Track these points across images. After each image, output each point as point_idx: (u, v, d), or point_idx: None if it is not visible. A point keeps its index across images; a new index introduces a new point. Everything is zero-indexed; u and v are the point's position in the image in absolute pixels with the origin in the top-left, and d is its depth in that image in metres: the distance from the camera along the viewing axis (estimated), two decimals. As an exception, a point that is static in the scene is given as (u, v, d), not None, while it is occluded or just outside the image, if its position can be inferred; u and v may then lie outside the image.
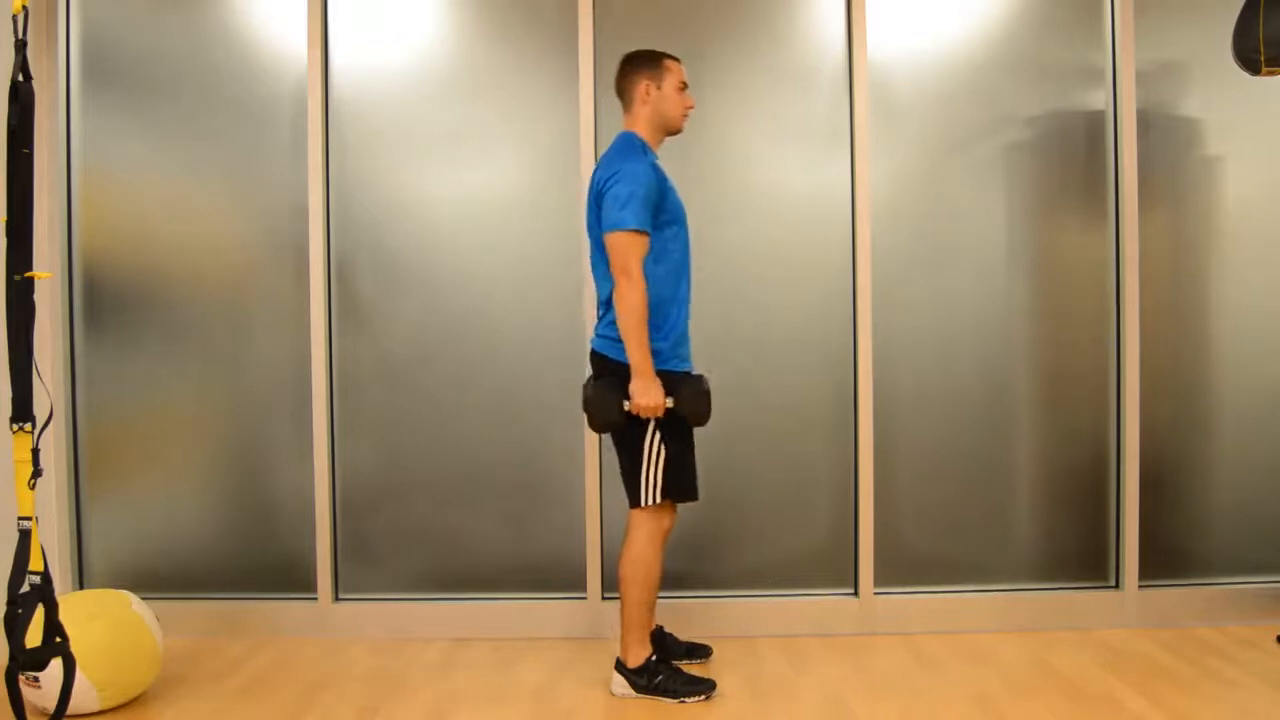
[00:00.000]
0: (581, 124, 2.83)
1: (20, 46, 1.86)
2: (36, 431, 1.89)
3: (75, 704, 2.09)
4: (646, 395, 2.19)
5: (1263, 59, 2.41)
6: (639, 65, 2.37)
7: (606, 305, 2.35)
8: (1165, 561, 2.90)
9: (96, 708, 2.23)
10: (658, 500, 2.29)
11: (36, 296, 1.91)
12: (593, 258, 2.38)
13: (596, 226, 2.29)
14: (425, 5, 2.88)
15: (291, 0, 2.86)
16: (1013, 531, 2.91)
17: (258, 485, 2.90)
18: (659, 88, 2.35)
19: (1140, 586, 2.86)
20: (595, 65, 2.85)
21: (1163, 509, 2.90)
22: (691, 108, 2.43)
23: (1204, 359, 2.91)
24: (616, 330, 2.27)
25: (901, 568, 2.89)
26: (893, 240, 2.87)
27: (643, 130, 2.37)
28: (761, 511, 2.89)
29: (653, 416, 2.22)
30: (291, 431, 2.88)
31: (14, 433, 1.88)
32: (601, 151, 2.84)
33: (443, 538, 2.90)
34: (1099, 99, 2.88)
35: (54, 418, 2.82)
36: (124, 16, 2.87)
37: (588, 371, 2.44)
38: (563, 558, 2.88)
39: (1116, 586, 2.89)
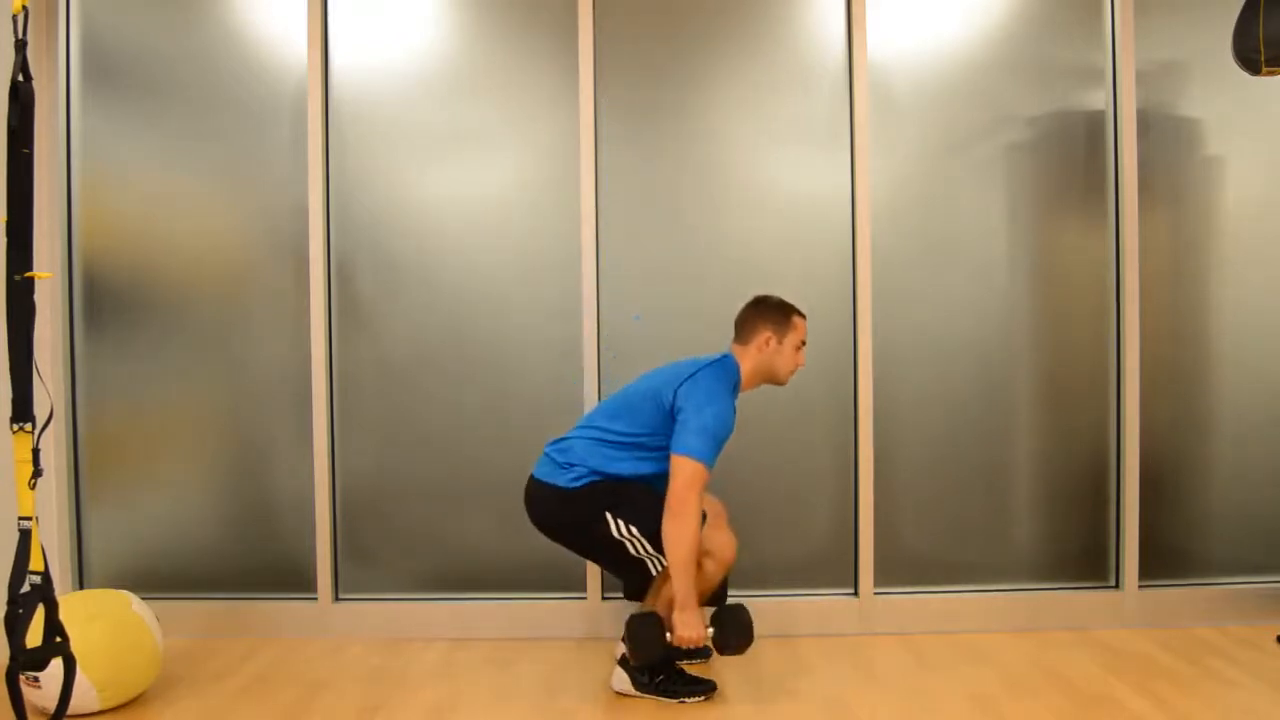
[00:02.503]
0: (581, 124, 2.83)
1: (20, 46, 1.86)
2: (36, 431, 1.89)
3: (75, 704, 2.09)
4: (690, 629, 2.17)
5: (1263, 59, 2.41)
6: (768, 313, 2.40)
7: (592, 431, 2.34)
8: (1165, 561, 2.90)
9: (96, 708, 2.23)
10: (663, 565, 2.29)
11: (36, 296, 1.91)
12: (610, 406, 2.37)
13: (652, 402, 2.29)
14: (425, 5, 2.88)
15: (291, 0, 2.86)
16: (1013, 531, 2.91)
17: (258, 485, 2.90)
18: (780, 342, 2.38)
19: (1140, 586, 2.86)
20: (595, 65, 2.85)
21: (1163, 509, 2.90)
22: (802, 366, 2.46)
23: (1204, 359, 2.91)
24: (563, 458, 2.31)
25: (901, 568, 2.89)
26: (893, 240, 2.87)
27: (746, 369, 2.39)
28: (761, 511, 2.89)
29: (692, 647, 2.20)
30: (291, 432, 2.88)
31: (14, 433, 1.88)
32: (601, 151, 2.85)
33: (443, 538, 2.90)
34: (1099, 99, 2.88)
35: (54, 418, 2.82)
36: (124, 16, 2.87)
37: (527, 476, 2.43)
38: (563, 558, 2.87)
39: (1116, 586, 2.89)
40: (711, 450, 2.20)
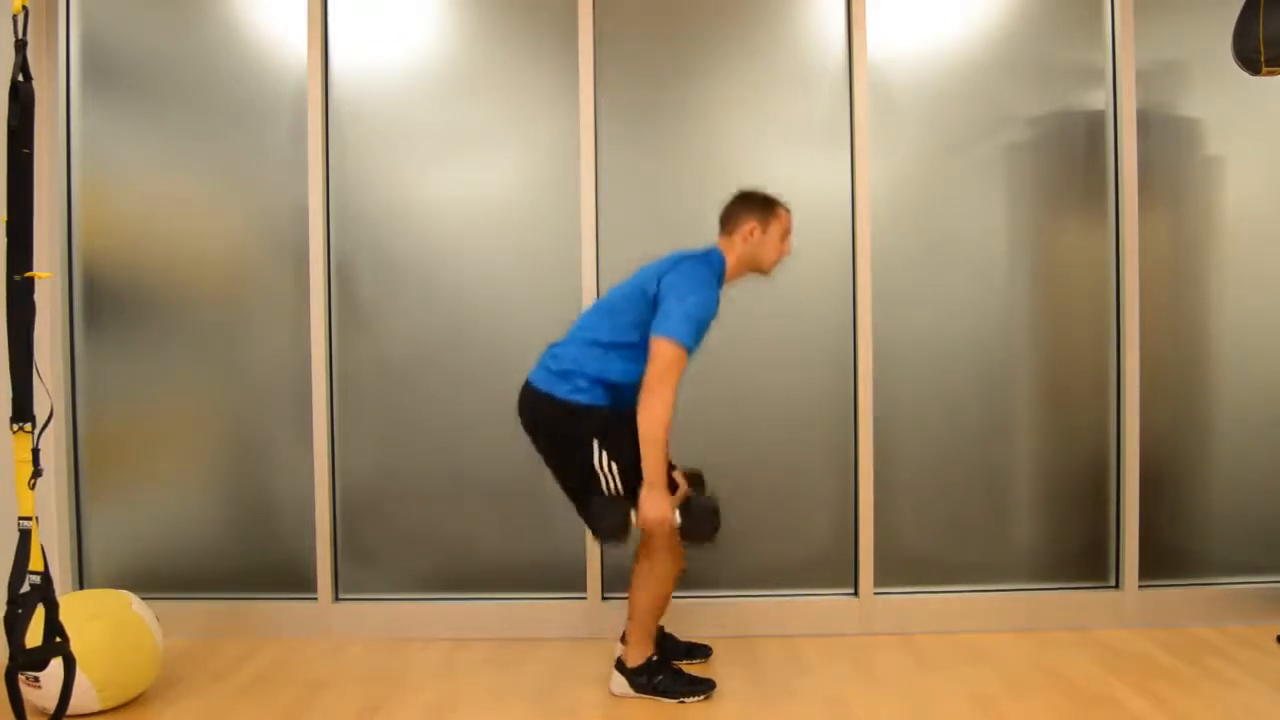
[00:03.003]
0: (581, 124, 2.83)
1: (20, 46, 1.86)
2: (36, 431, 1.89)
3: (75, 704, 2.09)
4: (656, 509, 2.17)
5: (1263, 59, 2.41)
6: (751, 204, 2.39)
7: (583, 334, 2.33)
8: (1165, 561, 2.90)
9: (96, 708, 2.23)
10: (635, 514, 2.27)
11: (36, 296, 1.91)
12: (604, 302, 2.37)
13: (639, 297, 2.28)
14: (425, 5, 2.88)
15: (291, 0, 2.86)
16: (1012, 531, 2.91)
17: (258, 485, 2.90)
18: (764, 231, 2.37)
19: (1140, 586, 2.86)
20: (595, 65, 2.85)
21: (1163, 509, 2.90)
22: (787, 255, 2.46)
23: (1204, 359, 2.91)
24: (557, 365, 2.29)
25: (901, 568, 2.89)
26: (893, 240, 2.87)
27: (732, 261, 2.38)
28: (761, 511, 2.89)
29: (660, 531, 2.21)
30: (291, 432, 2.88)
31: (14, 433, 1.88)
32: (601, 151, 2.85)
33: (443, 538, 2.90)
34: (1099, 99, 2.88)
35: (54, 418, 2.82)
36: (124, 16, 2.87)
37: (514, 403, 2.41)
38: (563, 558, 2.88)
39: (1116, 586, 2.89)
40: (691, 335, 2.18)
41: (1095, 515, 2.91)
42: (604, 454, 2.25)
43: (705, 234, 2.84)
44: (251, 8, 2.87)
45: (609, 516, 2.21)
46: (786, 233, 2.41)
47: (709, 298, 2.24)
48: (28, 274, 1.88)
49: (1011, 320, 2.89)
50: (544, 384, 2.31)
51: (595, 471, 2.26)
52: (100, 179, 2.88)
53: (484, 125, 2.88)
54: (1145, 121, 2.86)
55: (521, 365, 2.86)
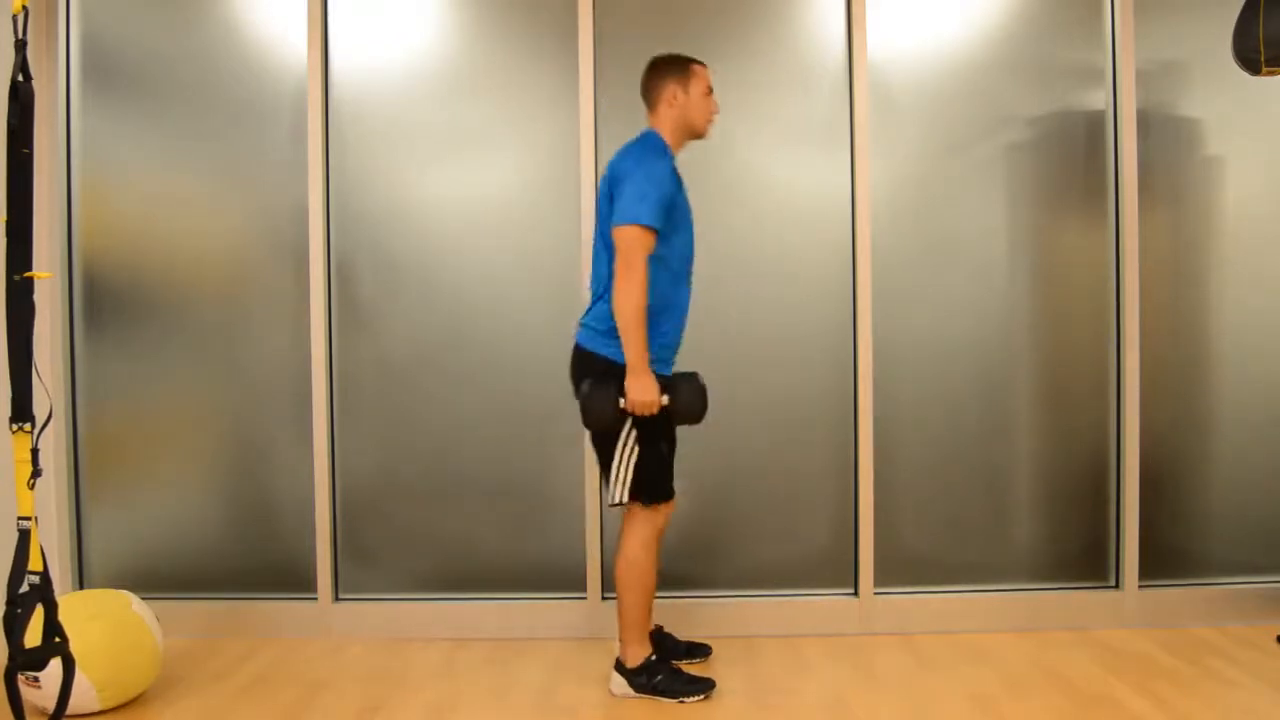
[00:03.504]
0: (581, 124, 2.83)
1: (20, 46, 1.86)
2: (36, 431, 1.89)
3: (75, 704, 2.09)
4: (643, 392, 2.18)
5: (1263, 59, 2.41)
6: (666, 69, 2.36)
7: (600, 297, 2.34)
8: (1165, 561, 2.90)
9: (96, 708, 2.23)
10: (623, 500, 2.29)
11: (36, 296, 1.91)
12: (596, 246, 2.38)
13: (608, 217, 2.29)
14: (425, 5, 2.88)
15: (291, 0, 2.86)
16: (1012, 531, 2.91)
17: (258, 485, 2.90)
18: (686, 92, 2.35)
19: (1140, 586, 2.86)
20: (595, 65, 2.85)
21: (1163, 509, 2.90)
22: (716, 113, 2.43)
23: (1204, 359, 2.91)
24: (605, 324, 2.27)
25: (901, 568, 2.89)
26: (893, 240, 2.87)
27: (666, 133, 2.36)
28: (761, 511, 2.89)
29: (647, 413, 2.21)
30: (291, 432, 2.88)
31: (14, 433, 1.88)
32: (601, 151, 2.85)
33: (443, 538, 2.90)
34: (1099, 99, 2.88)
35: (54, 418, 2.82)
36: (124, 16, 2.88)
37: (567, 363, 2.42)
38: (563, 558, 2.88)
39: (1116, 586, 2.89)
40: (647, 211, 2.17)
41: (1095, 515, 2.91)
42: (630, 435, 2.26)
43: (705, 234, 2.84)
44: (251, 8, 2.87)
45: (597, 404, 2.21)
46: (709, 89, 2.38)
47: (657, 171, 2.22)
48: (28, 274, 1.88)
49: (1011, 320, 2.89)
50: (592, 345, 2.30)
51: (615, 443, 2.27)
52: (100, 179, 2.88)
53: (484, 125, 2.88)
54: (1145, 121, 2.86)
55: (521, 365, 2.87)
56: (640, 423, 2.26)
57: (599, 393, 2.22)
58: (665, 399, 2.23)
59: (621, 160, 2.30)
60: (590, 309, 2.38)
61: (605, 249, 2.32)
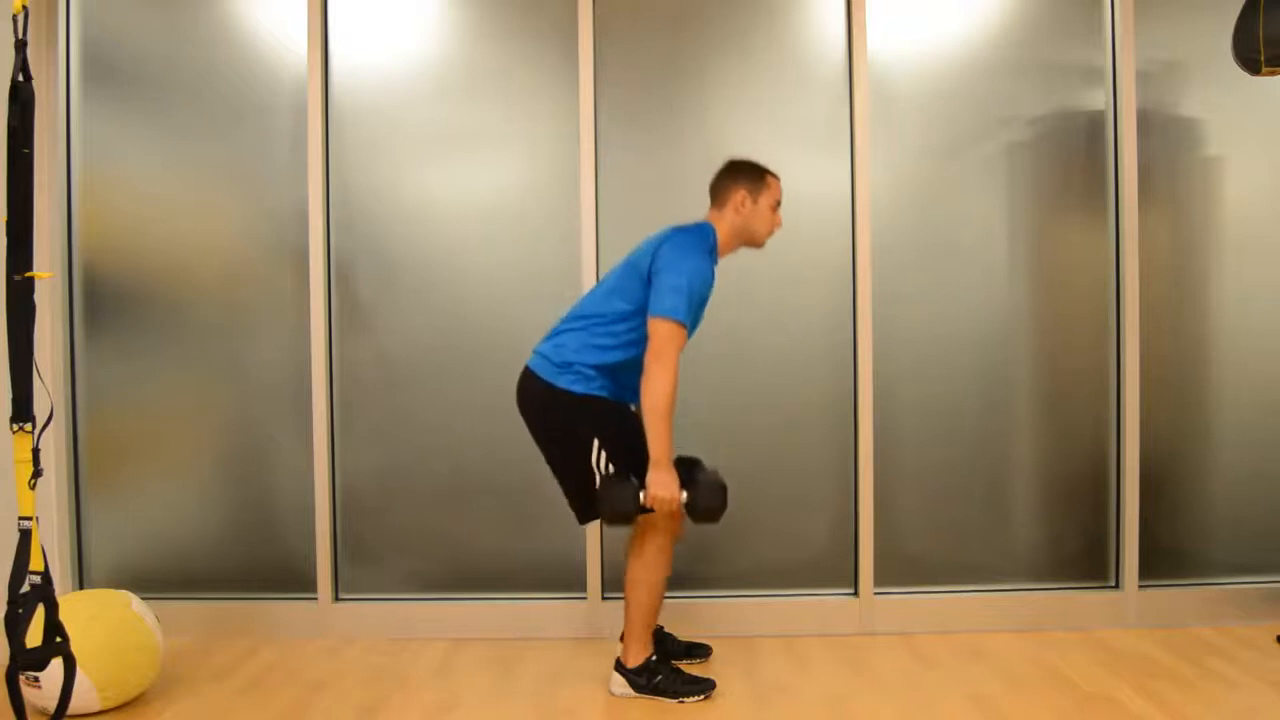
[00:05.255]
0: (581, 124, 2.83)
1: (20, 46, 1.86)
2: (36, 431, 1.89)
3: (75, 704, 2.09)
4: (665, 488, 2.16)
5: (1263, 59, 2.41)
6: (741, 175, 2.37)
7: (568, 330, 2.32)
8: (1165, 561, 2.90)
9: (96, 708, 2.23)
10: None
11: (36, 296, 1.91)
12: (607, 284, 2.35)
13: (633, 276, 2.27)
14: (425, 5, 2.88)
15: (291, 0, 2.86)
16: (1013, 531, 2.91)
17: (258, 485, 2.90)
18: (755, 202, 2.36)
19: (1140, 586, 2.86)
20: (595, 65, 2.85)
21: (1163, 509, 2.90)
22: (780, 226, 2.43)
23: (1204, 359, 2.91)
24: (559, 357, 2.27)
25: (901, 568, 2.89)
26: (893, 240, 2.87)
27: (723, 233, 2.37)
28: (762, 511, 2.89)
29: (666, 509, 2.19)
30: (291, 432, 2.88)
31: (14, 433, 1.88)
32: (601, 151, 2.85)
33: (443, 538, 2.90)
34: (1099, 99, 2.88)
35: (54, 418, 2.82)
36: (124, 16, 2.88)
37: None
38: (563, 558, 2.88)
39: (1116, 586, 2.89)
40: (685, 307, 2.17)
41: (1095, 515, 2.91)
42: (603, 454, 2.26)
43: (705, 234, 2.83)
44: (251, 8, 2.87)
45: (617, 498, 2.19)
46: (777, 202, 2.39)
47: (701, 270, 2.23)
48: (28, 274, 1.88)
49: (1011, 320, 2.89)
50: (544, 373, 2.30)
51: (590, 469, 2.27)
52: (100, 179, 2.88)
53: (484, 125, 2.88)
54: (1145, 121, 2.86)
55: (521, 365, 2.86)
56: (604, 442, 2.25)
57: (619, 489, 2.20)
58: (684, 496, 2.20)
59: (673, 242, 2.27)
60: (551, 337, 2.36)
61: (607, 297, 2.30)
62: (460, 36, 2.88)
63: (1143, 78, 2.86)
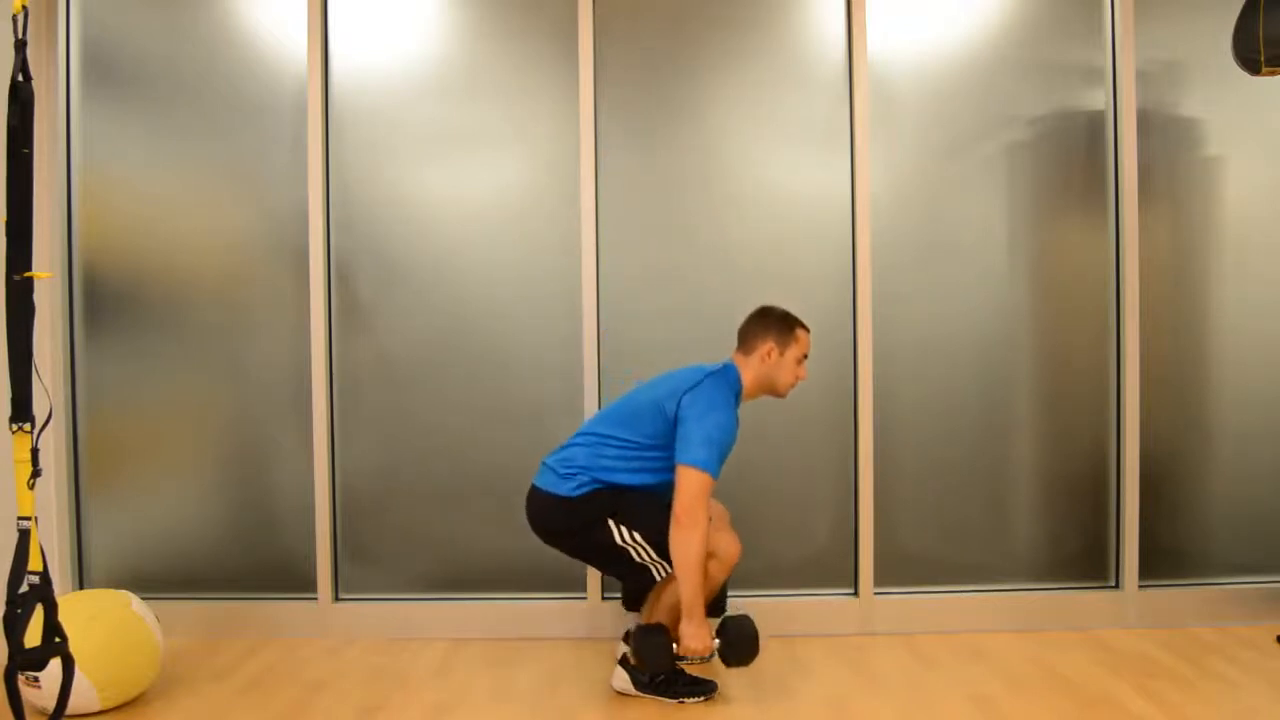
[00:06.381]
0: (581, 124, 2.83)
1: (20, 46, 1.86)
2: (36, 431, 1.89)
3: (75, 704, 2.09)
4: (697, 640, 2.18)
5: (1263, 59, 2.41)
6: (772, 324, 2.39)
7: (592, 439, 2.33)
8: (1165, 561, 2.90)
9: (97, 708, 2.22)
10: (670, 569, 2.27)
11: (36, 296, 1.91)
12: (613, 413, 2.36)
13: (656, 413, 2.28)
14: (425, 5, 2.88)
15: (291, 0, 2.86)
16: (1013, 531, 2.91)
17: (258, 485, 2.90)
18: (782, 354, 2.37)
19: (1140, 586, 2.86)
20: (595, 65, 2.85)
21: (1162, 509, 2.90)
22: (803, 379, 2.44)
23: (1204, 359, 2.91)
24: (564, 468, 2.29)
25: (901, 568, 2.89)
26: (893, 240, 2.87)
27: (748, 379, 2.38)
28: (762, 511, 2.89)
29: (699, 659, 2.21)
30: (291, 432, 2.88)
31: (14, 433, 1.88)
32: (601, 151, 2.85)
33: (443, 538, 2.90)
34: (1099, 99, 2.88)
35: (54, 418, 2.82)
36: (124, 16, 2.87)
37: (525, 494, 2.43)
38: (563, 558, 2.87)
39: (1116, 586, 2.89)
40: (716, 460, 2.20)
41: (1095, 515, 2.91)
42: (622, 529, 2.27)
43: (706, 234, 2.84)
44: (251, 8, 2.87)
45: (652, 652, 2.21)
46: (804, 356, 2.42)
47: (728, 420, 2.25)
48: (28, 274, 1.88)
49: (1011, 320, 2.89)
50: (549, 485, 2.32)
51: (620, 548, 2.28)
52: (100, 179, 2.88)
53: (484, 125, 2.88)
54: (1145, 121, 2.86)
55: (521, 365, 2.87)
56: (614, 514, 2.26)
57: (655, 643, 2.21)
58: (717, 644, 2.23)
59: (702, 391, 2.27)
60: (559, 451, 2.37)
61: (621, 424, 2.31)
62: (460, 36, 2.88)
63: (1143, 78, 2.86)
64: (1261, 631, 2.78)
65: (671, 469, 2.25)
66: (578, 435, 2.39)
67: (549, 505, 2.32)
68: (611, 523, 2.27)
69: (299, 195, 2.85)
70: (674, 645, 2.22)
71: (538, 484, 2.37)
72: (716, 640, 2.24)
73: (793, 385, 2.42)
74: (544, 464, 2.39)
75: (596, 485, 2.28)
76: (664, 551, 2.25)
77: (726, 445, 2.24)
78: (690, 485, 2.17)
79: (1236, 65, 2.51)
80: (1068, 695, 2.32)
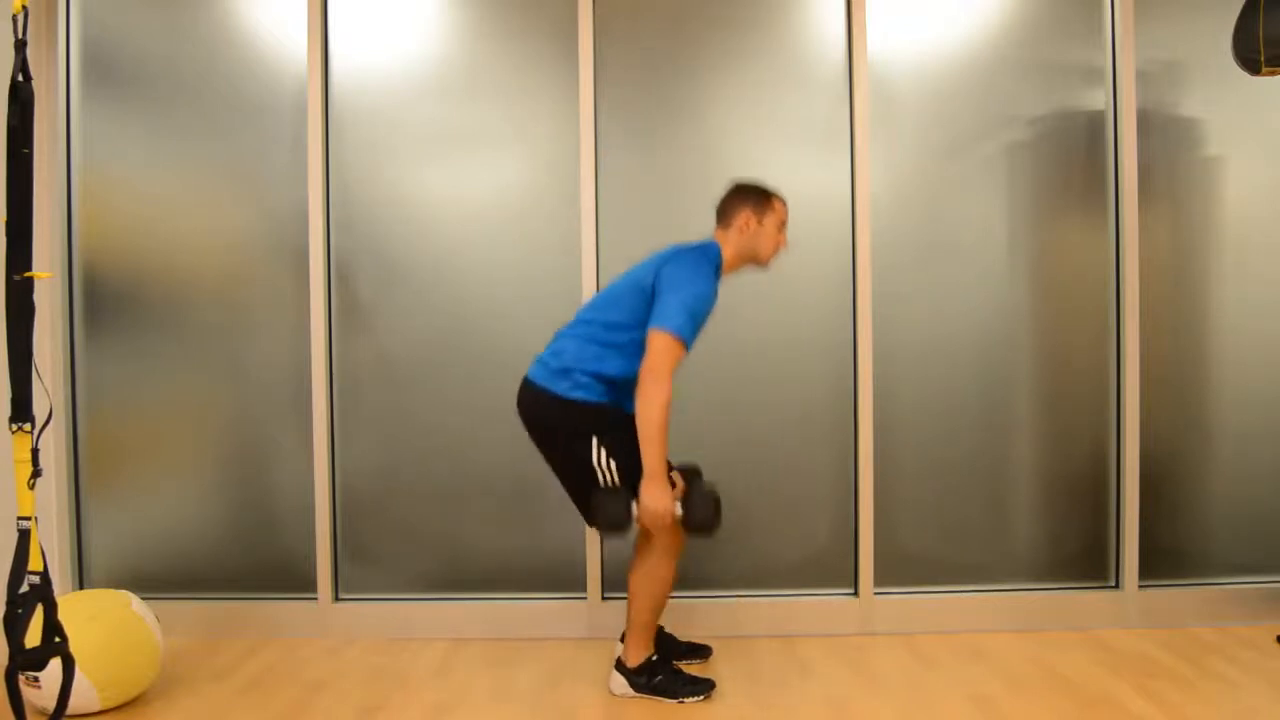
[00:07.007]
0: (581, 124, 2.83)
1: (20, 46, 1.86)
2: (36, 431, 1.89)
3: (75, 704, 2.09)
4: (657, 501, 2.17)
5: (1263, 59, 2.41)
6: (747, 196, 2.39)
7: (572, 337, 2.32)
8: (1165, 561, 2.90)
9: (97, 708, 2.23)
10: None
11: (36, 296, 1.91)
12: (600, 300, 2.35)
13: (636, 293, 2.27)
14: (425, 5, 2.88)
15: (291, 0, 2.86)
16: (1013, 531, 2.91)
17: (258, 485, 2.90)
18: (760, 223, 2.37)
19: (1140, 586, 2.86)
20: (595, 65, 2.85)
21: (1162, 509, 2.90)
22: (784, 247, 2.45)
23: (1204, 358, 2.91)
24: (558, 361, 2.28)
25: (901, 568, 2.89)
26: (893, 240, 2.87)
27: (729, 252, 2.38)
28: (762, 511, 2.89)
29: (659, 524, 2.20)
30: (291, 432, 2.88)
31: (14, 433, 1.88)
32: (601, 151, 2.85)
33: (443, 538, 2.90)
34: (1099, 99, 2.88)
35: (54, 418, 2.82)
36: (124, 16, 2.88)
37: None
38: (563, 558, 2.88)
39: (1116, 586, 2.89)
40: (687, 326, 2.18)
41: (1095, 515, 2.91)
42: (603, 451, 2.26)
43: (706, 233, 2.84)
44: (251, 8, 2.87)
45: (610, 509, 2.21)
46: (782, 224, 2.41)
47: (706, 290, 2.24)
48: (28, 274, 1.88)
49: (1011, 320, 2.89)
50: (543, 380, 2.30)
51: (593, 468, 2.26)
52: (100, 179, 2.88)
53: (484, 125, 2.88)
54: (1145, 121, 2.86)
55: (521, 365, 2.86)
56: (606, 443, 2.25)
57: (612, 500, 2.21)
58: (678, 509, 2.21)
59: (678, 260, 2.27)
60: (550, 344, 2.37)
61: (607, 308, 2.30)
62: (460, 36, 2.88)
63: (1143, 78, 2.86)
64: (1261, 631, 2.78)
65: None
66: (567, 327, 2.37)
67: (543, 401, 2.29)
68: (595, 440, 2.25)
69: (299, 195, 2.86)
70: (633, 506, 2.20)
71: (531, 377, 2.34)
72: (678, 505, 2.21)
73: (774, 254, 2.42)
74: (537, 358, 2.37)
75: (594, 384, 2.25)
76: (632, 489, 2.24)
77: (702, 316, 2.22)
78: (659, 347, 2.16)
79: (1236, 65, 2.51)
80: (1068, 695, 2.32)
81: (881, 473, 2.87)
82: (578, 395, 2.25)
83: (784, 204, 2.42)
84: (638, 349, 2.24)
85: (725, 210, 2.42)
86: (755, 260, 2.42)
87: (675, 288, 2.21)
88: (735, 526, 2.88)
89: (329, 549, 2.86)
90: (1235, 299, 2.90)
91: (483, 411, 2.87)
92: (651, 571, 2.31)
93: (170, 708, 2.31)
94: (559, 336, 2.36)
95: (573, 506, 2.85)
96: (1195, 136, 2.89)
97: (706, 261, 2.30)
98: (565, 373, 2.27)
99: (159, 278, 2.89)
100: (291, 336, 2.88)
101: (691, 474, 2.43)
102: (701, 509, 2.21)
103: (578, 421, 2.27)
